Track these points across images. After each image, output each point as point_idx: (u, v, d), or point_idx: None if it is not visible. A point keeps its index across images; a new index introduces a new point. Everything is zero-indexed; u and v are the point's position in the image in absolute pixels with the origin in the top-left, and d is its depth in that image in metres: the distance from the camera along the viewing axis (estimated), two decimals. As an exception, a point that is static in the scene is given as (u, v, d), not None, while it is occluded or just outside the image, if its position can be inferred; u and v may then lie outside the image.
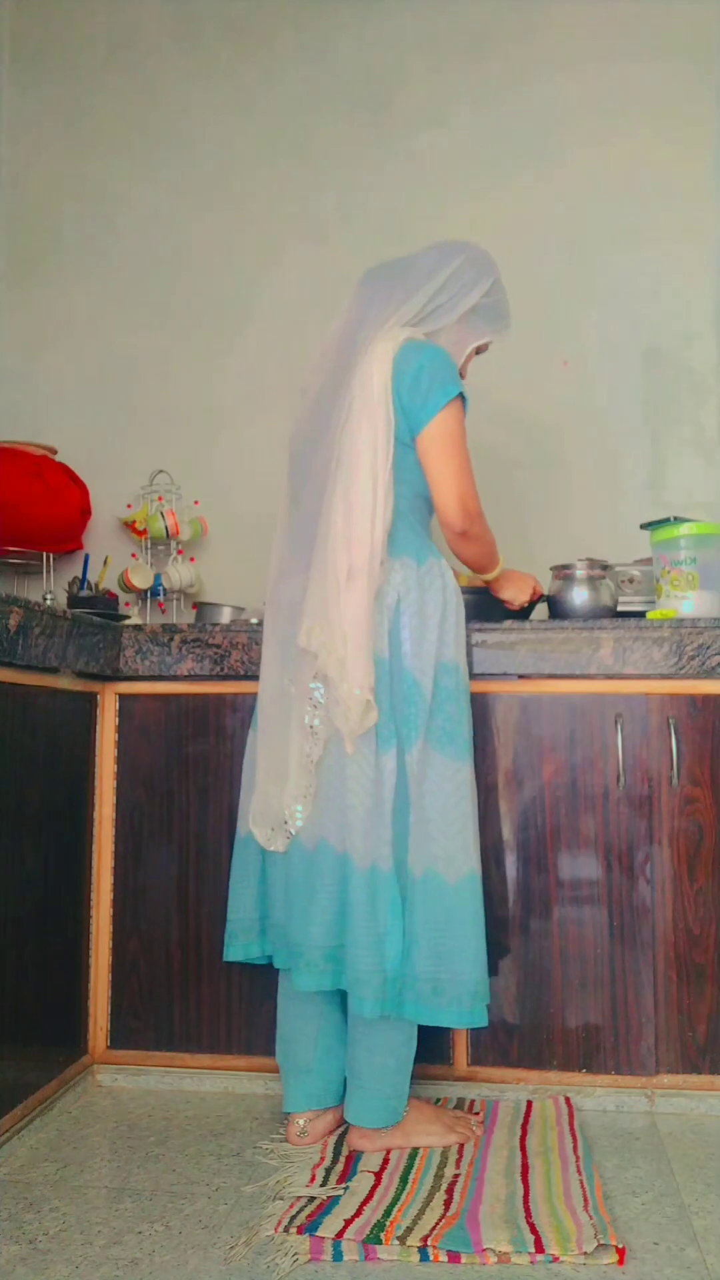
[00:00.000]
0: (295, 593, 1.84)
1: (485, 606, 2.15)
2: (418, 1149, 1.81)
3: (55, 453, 2.70)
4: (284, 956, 1.85)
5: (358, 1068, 1.80)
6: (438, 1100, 2.02)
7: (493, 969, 2.05)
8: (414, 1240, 1.49)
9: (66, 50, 3.02)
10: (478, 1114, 1.94)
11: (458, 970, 1.74)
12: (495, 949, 2.06)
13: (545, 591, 2.21)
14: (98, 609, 2.43)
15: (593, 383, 2.80)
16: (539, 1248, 1.47)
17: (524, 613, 2.18)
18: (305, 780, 1.79)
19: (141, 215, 2.97)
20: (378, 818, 1.74)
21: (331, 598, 1.76)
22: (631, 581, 2.37)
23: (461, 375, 1.98)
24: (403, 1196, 1.63)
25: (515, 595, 2.10)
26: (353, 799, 1.75)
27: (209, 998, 2.13)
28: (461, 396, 1.84)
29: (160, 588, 2.69)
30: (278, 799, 1.82)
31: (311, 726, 1.79)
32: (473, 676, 2.06)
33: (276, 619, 1.88)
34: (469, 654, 2.04)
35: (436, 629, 1.81)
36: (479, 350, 2.00)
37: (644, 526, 2.30)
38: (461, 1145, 1.82)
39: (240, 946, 1.93)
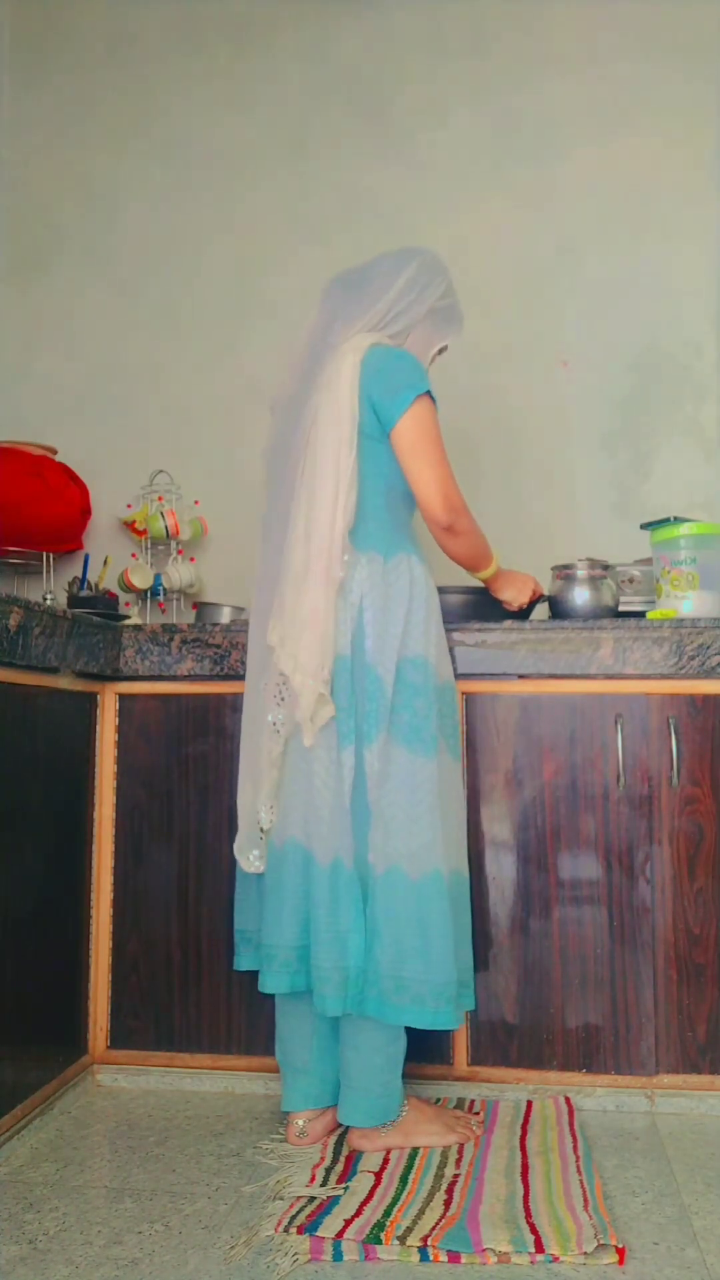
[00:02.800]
0: (269, 600, 1.85)
1: (485, 606, 2.15)
2: (417, 1149, 1.81)
3: (55, 453, 2.70)
4: (254, 959, 1.87)
5: (347, 1067, 1.81)
6: (437, 1100, 2.02)
7: (493, 968, 2.05)
8: (414, 1240, 1.49)
9: (67, 50, 3.02)
10: (478, 1114, 1.94)
11: (422, 970, 1.73)
12: (495, 949, 2.06)
13: (545, 591, 2.20)
14: (98, 609, 2.43)
15: (592, 383, 2.80)
16: (539, 1248, 1.47)
17: (524, 613, 2.18)
18: (270, 776, 1.82)
19: (142, 215, 2.97)
20: (339, 813, 1.75)
21: (289, 592, 1.78)
22: (631, 581, 2.37)
23: None
24: (403, 1196, 1.63)
25: (515, 597, 2.09)
26: (317, 797, 1.76)
27: (209, 998, 2.13)
28: (430, 395, 1.84)
29: (160, 588, 2.69)
30: (254, 809, 1.84)
31: (274, 723, 1.81)
32: (473, 677, 2.07)
33: (257, 629, 1.90)
34: (451, 651, 2.04)
35: (401, 623, 1.81)
36: (438, 353, 2.01)
37: (644, 526, 2.30)
38: (461, 1145, 1.82)
39: (248, 957, 1.93)
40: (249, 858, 1.86)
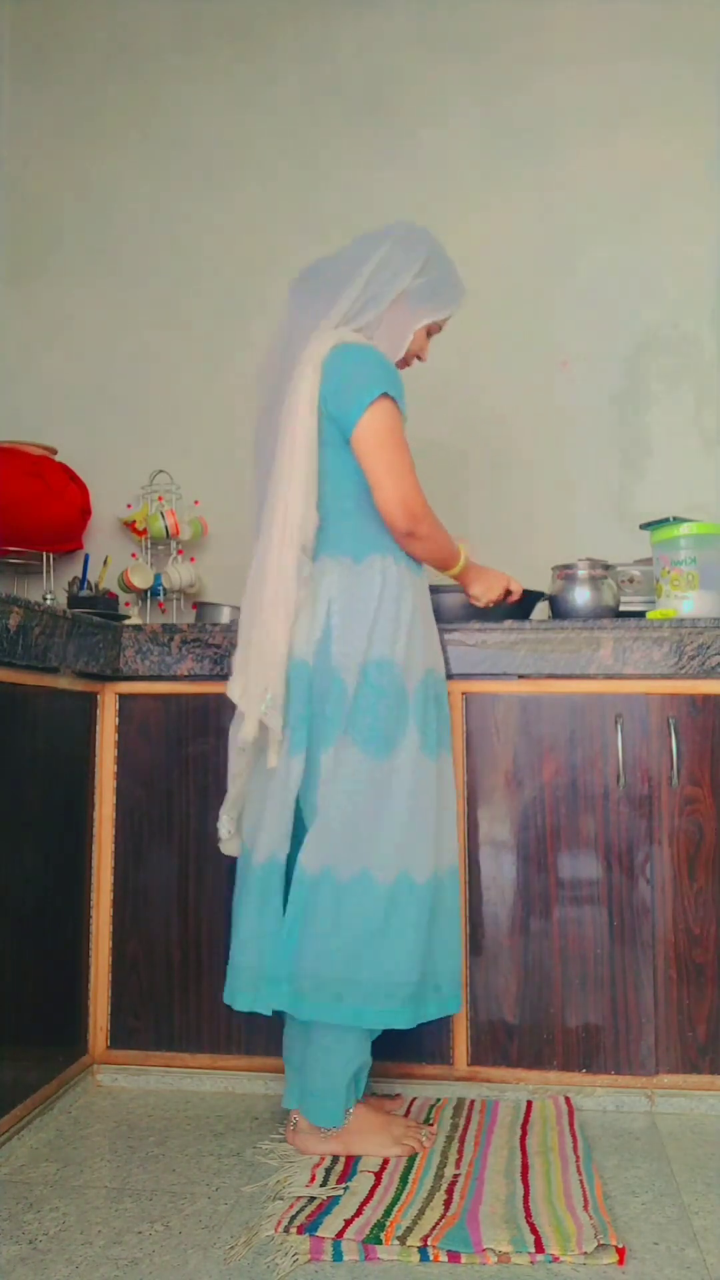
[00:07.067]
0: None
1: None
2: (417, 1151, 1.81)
3: (55, 453, 2.70)
4: None
5: (303, 1059, 1.81)
6: (438, 1100, 2.02)
7: (493, 968, 2.05)
8: (414, 1240, 1.49)
9: (67, 50, 3.02)
10: (431, 1124, 1.90)
11: (347, 969, 1.71)
12: (495, 949, 2.06)
13: (523, 588, 2.16)
14: (98, 609, 2.43)
15: (592, 382, 2.80)
16: (539, 1248, 1.47)
17: (524, 612, 2.18)
18: (233, 792, 1.86)
19: (141, 215, 2.97)
20: (280, 814, 1.76)
21: (253, 606, 1.80)
22: (631, 581, 2.37)
23: (411, 361, 1.94)
24: (403, 1196, 1.63)
25: (483, 593, 2.01)
26: (269, 801, 1.78)
27: (209, 998, 2.13)
28: (388, 395, 1.78)
29: (160, 588, 2.69)
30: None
31: (234, 740, 1.84)
32: (473, 677, 2.07)
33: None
34: (449, 651, 2.05)
35: (367, 625, 1.78)
36: (431, 331, 1.94)
37: (644, 526, 2.30)
38: (427, 1151, 1.79)
39: None
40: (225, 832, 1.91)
